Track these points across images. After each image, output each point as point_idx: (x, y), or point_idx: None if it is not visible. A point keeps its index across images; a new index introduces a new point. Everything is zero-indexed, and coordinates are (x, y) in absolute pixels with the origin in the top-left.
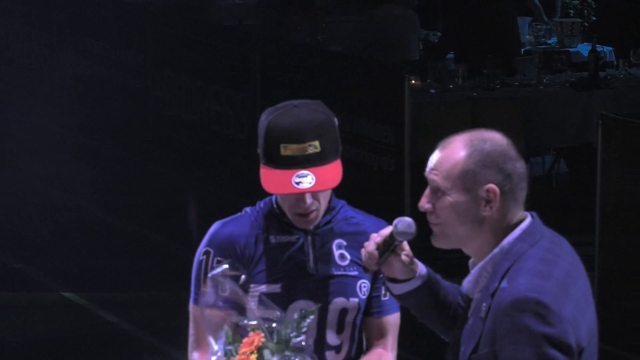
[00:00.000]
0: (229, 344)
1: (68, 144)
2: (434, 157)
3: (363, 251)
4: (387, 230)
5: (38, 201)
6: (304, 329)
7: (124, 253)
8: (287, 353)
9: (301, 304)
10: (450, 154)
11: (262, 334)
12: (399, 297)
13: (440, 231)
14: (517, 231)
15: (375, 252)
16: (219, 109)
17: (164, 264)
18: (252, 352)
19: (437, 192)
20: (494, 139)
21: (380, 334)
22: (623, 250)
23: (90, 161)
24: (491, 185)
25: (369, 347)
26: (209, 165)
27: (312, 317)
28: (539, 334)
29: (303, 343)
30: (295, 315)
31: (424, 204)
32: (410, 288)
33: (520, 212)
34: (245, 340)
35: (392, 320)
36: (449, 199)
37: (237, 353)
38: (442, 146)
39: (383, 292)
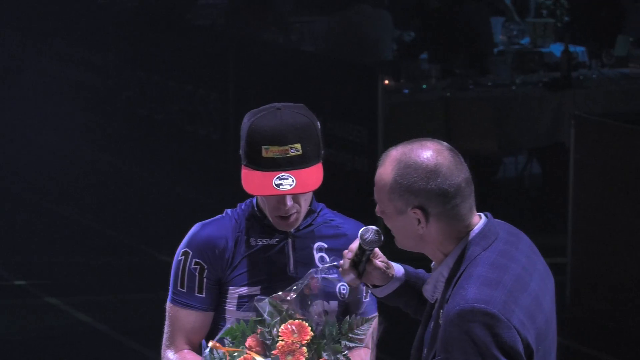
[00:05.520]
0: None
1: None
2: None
3: (341, 270)
4: (356, 243)
5: (12, 204)
6: (362, 337)
7: (98, 254)
8: (340, 356)
9: None
10: (380, 175)
11: (309, 327)
12: (384, 300)
13: (395, 238)
14: (469, 236)
15: (353, 270)
16: (192, 109)
17: (138, 265)
18: (303, 345)
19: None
20: (422, 158)
21: None
22: (595, 251)
23: (64, 162)
24: (415, 209)
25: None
26: (182, 166)
27: (369, 324)
28: (487, 343)
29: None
30: (349, 318)
31: (377, 210)
32: (389, 291)
33: (468, 221)
34: (285, 329)
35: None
36: (386, 215)
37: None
38: (380, 162)
39: (364, 293)
